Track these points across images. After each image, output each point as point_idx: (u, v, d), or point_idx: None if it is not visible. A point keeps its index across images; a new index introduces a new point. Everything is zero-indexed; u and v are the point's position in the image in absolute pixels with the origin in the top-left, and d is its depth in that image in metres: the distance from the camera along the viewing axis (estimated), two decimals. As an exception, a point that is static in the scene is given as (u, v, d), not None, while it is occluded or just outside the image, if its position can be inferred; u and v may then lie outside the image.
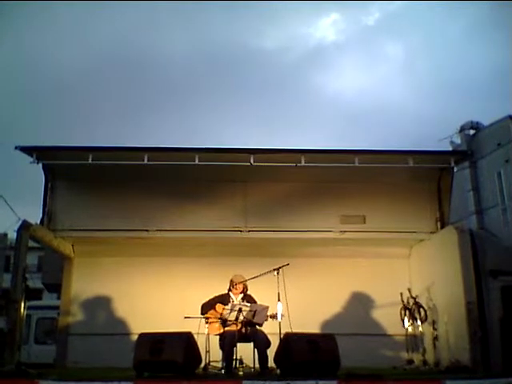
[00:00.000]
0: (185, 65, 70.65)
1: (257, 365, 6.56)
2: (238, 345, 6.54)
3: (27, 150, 7.43)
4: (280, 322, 6.70)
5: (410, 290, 8.23)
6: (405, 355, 8.22)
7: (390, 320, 8.46)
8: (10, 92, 57.77)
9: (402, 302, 8.19)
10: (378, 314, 8.84)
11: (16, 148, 7.33)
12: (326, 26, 77.49)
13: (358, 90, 71.77)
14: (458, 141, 20.55)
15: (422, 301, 8.11)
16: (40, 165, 7.86)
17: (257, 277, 7.08)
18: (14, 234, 7.55)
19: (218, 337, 6.89)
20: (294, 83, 74.65)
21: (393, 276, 8.73)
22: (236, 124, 70.01)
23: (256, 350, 6.61)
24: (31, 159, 7.45)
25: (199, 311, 7.05)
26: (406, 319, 8.15)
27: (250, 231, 8.43)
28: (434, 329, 7.81)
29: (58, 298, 10.16)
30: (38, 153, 7.48)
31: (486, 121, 19.98)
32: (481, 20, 64.31)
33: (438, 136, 21.02)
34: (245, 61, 73.38)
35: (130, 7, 65.19)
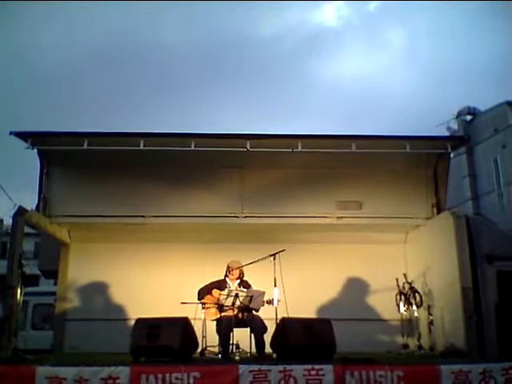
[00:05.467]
0: (181, 53, 70.26)
1: (253, 350, 6.60)
2: (235, 330, 6.56)
3: (22, 136, 7.38)
4: (276, 308, 6.72)
5: (405, 276, 8.25)
6: (400, 340, 8.28)
7: (386, 305, 8.48)
8: (6, 80, 57.48)
9: (398, 287, 8.21)
10: (373, 299, 8.88)
11: (11, 133, 7.28)
12: (329, 12, 76.86)
13: (358, 76, 71.51)
14: (454, 126, 20.52)
15: (418, 286, 8.13)
16: (35, 150, 7.83)
17: (253, 262, 7.09)
18: (10, 220, 7.54)
19: (214, 322, 6.92)
20: (293, 71, 74.39)
21: (389, 261, 8.74)
22: (232, 111, 69.76)
23: (252, 335, 6.66)
24: (26, 145, 7.41)
25: (196, 297, 7.07)
26: (401, 304, 8.17)
27: (246, 217, 8.43)
28: (430, 314, 7.84)
29: (55, 284, 10.16)
30: (32, 138, 7.43)
31: (483, 106, 19.96)
32: (482, 7, 63.89)
33: (437, 122, 21.00)
34: (246, 48, 73.07)
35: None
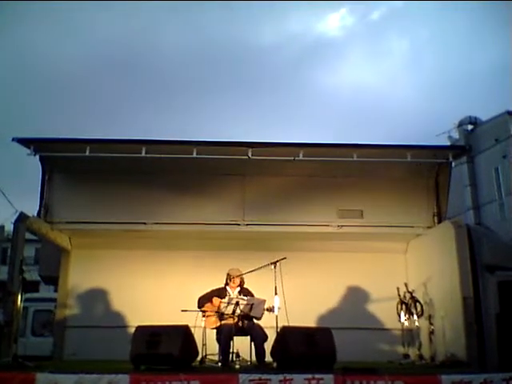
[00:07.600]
0: (181, 60, 70.43)
1: (253, 358, 6.57)
2: (235, 338, 6.54)
3: (24, 142, 7.41)
4: (277, 316, 6.70)
5: (406, 285, 8.24)
6: (401, 349, 8.25)
7: (387, 314, 8.48)
8: (9, 86, 57.78)
9: (399, 296, 8.20)
10: (374, 309, 8.86)
11: (13, 140, 7.31)
12: (332, 22, 77.02)
13: (359, 85, 71.50)
14: (456, 136, 20.54)
15: (419, 295, 8.11)
16: (37, 157, 7.85)
17: (254, 270, 7.08)
18: (11, 226, 7.55)
19: (214, 330, 6.90)
20: (295, 79, 74.33)
21: (390, 270, 8.74)
22: (232, 120, 69.87)
23: (253, 343, 6.63)
24: (28, 151, 7.43)
25: (196, 305, 7.05)
26: (402, 314, 8.15)
27: (247, 225, 8.44)
28: (431, 323, 7.83)
29: (55, 290, 10.15)
30: (35, 145, 7.45)
31: (484, 116, 19.99)
32: (486, 17, 64.01)
33: (438, 131, 21.02)
34: (247, 56, 73.32)
35: (128, 4, 64.92)
